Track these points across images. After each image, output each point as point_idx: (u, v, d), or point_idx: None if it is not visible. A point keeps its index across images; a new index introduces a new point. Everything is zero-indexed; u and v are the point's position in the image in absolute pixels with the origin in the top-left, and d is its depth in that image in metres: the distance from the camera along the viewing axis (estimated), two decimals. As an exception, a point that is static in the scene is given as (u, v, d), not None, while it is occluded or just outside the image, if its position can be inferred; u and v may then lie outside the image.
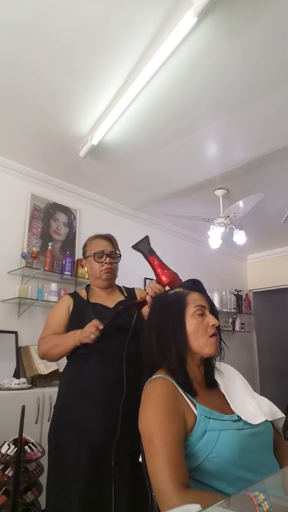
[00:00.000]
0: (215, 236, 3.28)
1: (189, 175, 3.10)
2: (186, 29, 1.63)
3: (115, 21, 1.66)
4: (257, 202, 2.99)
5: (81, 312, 1.48)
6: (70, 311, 1.51)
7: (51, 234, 3.10)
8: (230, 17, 1.63)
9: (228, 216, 3.15)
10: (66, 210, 3.25)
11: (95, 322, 1.31)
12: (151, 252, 1.33)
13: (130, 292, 1.65)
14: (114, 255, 1.58)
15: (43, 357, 1.46)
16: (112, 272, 1.56)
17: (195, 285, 1.07)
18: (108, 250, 1.57)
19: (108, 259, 1.55)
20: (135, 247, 1.35)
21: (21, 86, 2.08)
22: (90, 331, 1.30)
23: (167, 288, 1.27)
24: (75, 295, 1.57)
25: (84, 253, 1.64)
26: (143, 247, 1.34)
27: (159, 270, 1.30)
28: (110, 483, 1.23)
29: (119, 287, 1.66)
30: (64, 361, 1.51)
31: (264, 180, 3.13)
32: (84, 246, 1.65)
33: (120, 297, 1.58)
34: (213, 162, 2.87)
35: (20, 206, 2.94)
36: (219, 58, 1.85)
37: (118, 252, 1.61)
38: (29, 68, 1.94)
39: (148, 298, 1.26)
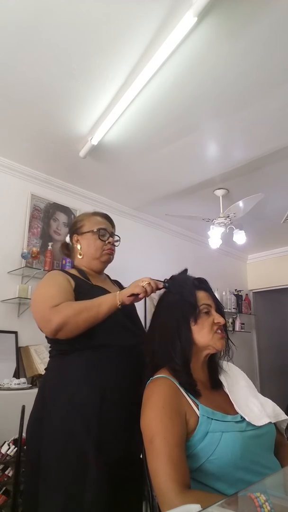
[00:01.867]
0: (215, 236, 3.28)
1: (189, 175, 3.10)
2: (186, 29, 1.63)
3: (115, 21, 1.65)
4: (257, 202, 2.99)
5: (87, 292, 1.17)
6: (73, 287, 1.20)
7: (51, 234, 3.09)
8: (230, 17, 1.62)
9: (228, 216, 3.15)
10: (66, 210, 3.24)
11: (144, 278, 1.07)
12: None
13: (119, 284, 1.46)
14: (115, 237, 1.39)
15: (60, 327, 1.05)
16: (113, 254, 1.36)
17: (201, 284, 1.06)
18: (110, 230, 1.38)
19: (111, 239, 1.36)
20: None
21: (21, 86, 2.07)
22: (142, 280, 1.06)
23: None
24: (67, 273, 1.26)
25: (79, 227, 1.36)
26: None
27: None
28: (133, 503, 1.04)
29: (107, 276, 1.47)
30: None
31: (264, 180, 3.13)
32: (80, 221, 1.38)
33: (116, 289, 1.37)
34: (213, 162, 2.87)
35: (20, 206, 2.94)
36: (219, 58, 1.85)
37: (118, 235, 1.41)
38: (29, 68, 1.94)
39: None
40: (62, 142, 2.61)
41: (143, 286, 1.04)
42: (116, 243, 1.38)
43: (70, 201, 3.29)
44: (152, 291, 1.06)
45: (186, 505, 0.67)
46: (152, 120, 2.34)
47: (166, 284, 1.08)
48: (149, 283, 1.05)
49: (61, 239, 3.16)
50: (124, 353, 1.13)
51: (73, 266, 1.37)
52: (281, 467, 0.89)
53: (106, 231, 1.35)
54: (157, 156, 2.78)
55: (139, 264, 3.76)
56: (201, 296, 1.02)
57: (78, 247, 1.34)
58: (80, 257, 1.34)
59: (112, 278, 1.49)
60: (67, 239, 1.44)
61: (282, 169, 2.95)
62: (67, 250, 1.43)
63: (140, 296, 1.05)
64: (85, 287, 1.22)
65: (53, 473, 1.01)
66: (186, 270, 1.11)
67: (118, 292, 1.08)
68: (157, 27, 1.68)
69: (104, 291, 1.22)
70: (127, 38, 1.74)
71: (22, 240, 2.88)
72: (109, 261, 1.36)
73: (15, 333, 2.67)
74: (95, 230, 1.32)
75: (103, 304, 1.07)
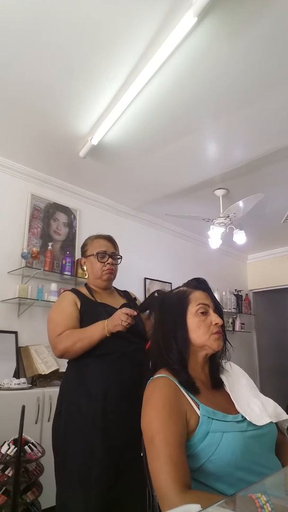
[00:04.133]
0: (215, 236, 3.28)
1: (189, 175, 3.10)
2: (186, 29, 1.63)
3: (115, 21, 1.65)
4: (257, 202, 2.99)
5: (92, 311, 1.43)
6: (79, 307, 1.44)
7: (51, 234, 3.09)
8: (230, 17, 1.62)
9: (228, 216, 3.15)
10: (66, 210, 3.24)
11: (126, 309, 1.28)
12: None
13: (127, 294, 1.64)
14: (115, 257, 1.58)
15: (63, 354, 1.35)
16: (113, 273, 1.56)
17: (200, 284, 1.06)
18: (110, 251, 1.56)
19: (110, 259, 1.54)
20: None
21: (21, 86, 2.07)
22: (121, 318, 1.26)
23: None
24: (77, 292, 1.50)
25: (84, 251, 1.61)
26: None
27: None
28: (134, 482, 1.20)
29: (115, 289, 1.66)
30: (64, 361, 1.50)
31: (264, 180, 3.13)
32: (85, 245, 1.61)
33: (121, 300, 1.57)
34: (213, 162, 2.87)
35: (20, 206, 2.94)
36: (219, 58, 1.85)
37: (119, 254, 1.61)
38: (29, 68, 1.94)
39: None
40: (62, 142, 2.61)
41: (123, 325, 1.26)
42: (117, 261, 1.58)
43: (70, 201, 3.29)
44: (130, 324, 1.28)
45: (186, 505, 0.67)
46: (152, 120, 2.34)
47: (137, 311, 1.30)
48: (128, 322, 1.27)
49: (61, 239, 3.16)
50: (122, 358, 1.35)
51: (86, 284, 1.61)
52: (282, 467, 0.89)
53: (106, 253, 1.54)
54: (157, 156, 2.78)
55: (139, 264, 3.75)
56: (199, 296, 1.02)
57: (85, 268, 1.60)
58: (86, 277, 1.59)
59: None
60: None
61: (282, 169, 2.95)
62: (82, 269, 1.65)
63: (123, 328, 1.28)
64: (89, 305, 1.46)
65: (68, 455, 1.28)
66: (154, 292, 1.23)
67: (106, 324, 1.30)
68: (157, 27, 1.68)
69: (107, 307, 1.46)
70: (127, 38, 1.74)
71: (22, 240, 2.88)
72: (110, 279, 1.55)
73: (15, 333, 2.67)
74: (95, 253, 1.54)
75: (94, 335, 1.31)
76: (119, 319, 1.26)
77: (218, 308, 1.03)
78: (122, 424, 1.26)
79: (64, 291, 1.55)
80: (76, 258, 3.09)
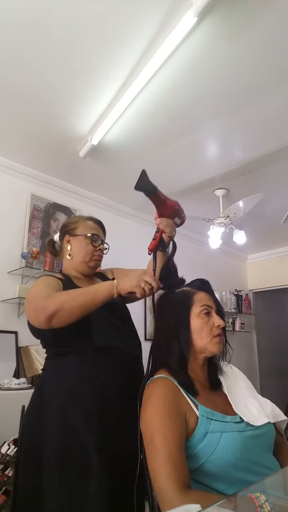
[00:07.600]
0: (215, 236, 3.28)
1: (189, 175, 3.10)
2: (186, 29, 1.64)
3: (116, 21, 1.65)
4: (257, 202, 2.99)
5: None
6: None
7: (51, 234, 3.09)
8: (230, 17, 1.63)
9: (228, 216, 3.15)
10: (66, 210, 3.24)
11: (155, 280, 1.02)
12: (155, 188, 1.19)
13: (102, 277, 1.44)
14: (105, 245, 1.42)
15: (55, 312, 1.02)
16: (100, 261, 1.39)
17: (203, 285, 1.06)
18: (102, 237, 1.40)
19: (101, 246, 1.37)
20: (139, 187, 1.14)
21: (21, 86, 2.08)
22: (142, 285, 1.00)
23: (176, 220, 1.23)
24: (54, 277, 1.27)
25: (72, 229, 1.37)
26: (147, 184, 1.16)
27: (168, 202, 1.23)
28: (131, 499, 1.00)
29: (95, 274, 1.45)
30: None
31: (264, 180, 3.13)
32: (74, 222, 1.38)
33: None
34: (213, 162, 2.87)
35: (20, 206, 2.94)
36: (219, 58, 1.85)
37: (108, 244, 1.44)
38: (30, 68, 1.94)
39: (165, 236, 1.19)
40: (62, 142, 2.61)
41: (143, 289, 1.00)
42: (104, 251, 1.40)
43: (70, 201, 3.29)
44: (151, 294, 1.03)
45: (186, 505, 0.67)
46: (152, 120, 2.34)
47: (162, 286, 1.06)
48: (152, 287, 1.01)
49: (61, 239, 3.15)
50: (123, 353, 1.17)
51: (60, 270, 1.39)
52: (281, 467, 0.89)
53: (99, 237, 1.37)
54: (157, 156, 2.78)
55: (139, 264, 3.74)
56: (203, 297, 1.02)
57: (69, 248, 1.35)
58: (69, 258, 1.34)
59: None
60: (56, 237, 1.43)
61: (282, 169, 2.95)
62: (53, 248, 1.43)
63: (138, 296, 1.04)
64: (71, 287, 1.24)
65: (56, 469, 1.04)
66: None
67: (115, 282, 1.04)
68: (158, 27, 1.68)
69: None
70: (128, 38, 1.74)
71: (22, 240, 2.88)
72: (96, 266, 1.37)
73: (15, 333, 2.66)
74: (89, 234, 1.34)
75: (98, 292, 1.05)
76: (142, 282, 1.01)
77: (220, 310, 1.04)
78: (120, 430, 1.08)
79: (41, 276, 1.29)
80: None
